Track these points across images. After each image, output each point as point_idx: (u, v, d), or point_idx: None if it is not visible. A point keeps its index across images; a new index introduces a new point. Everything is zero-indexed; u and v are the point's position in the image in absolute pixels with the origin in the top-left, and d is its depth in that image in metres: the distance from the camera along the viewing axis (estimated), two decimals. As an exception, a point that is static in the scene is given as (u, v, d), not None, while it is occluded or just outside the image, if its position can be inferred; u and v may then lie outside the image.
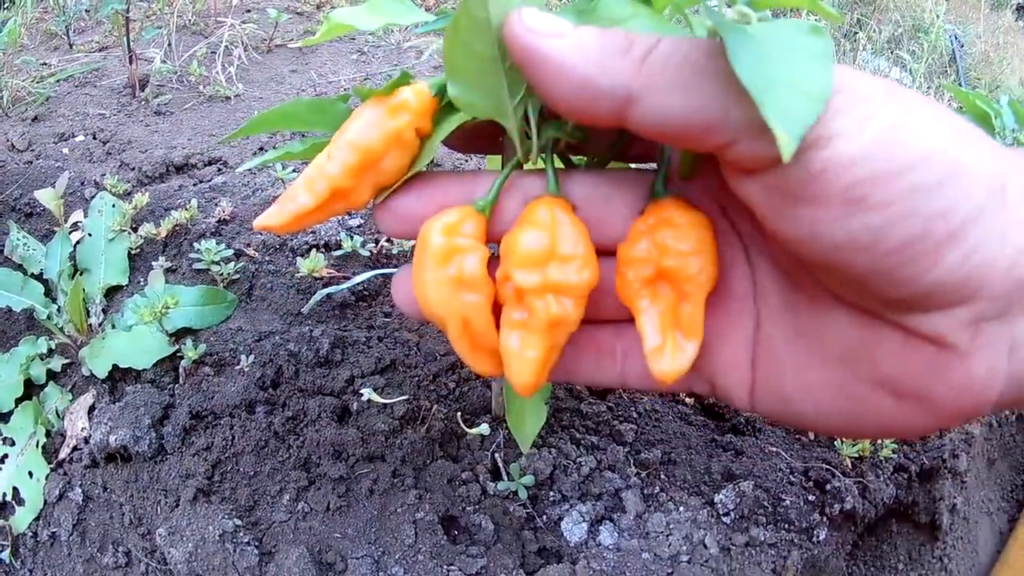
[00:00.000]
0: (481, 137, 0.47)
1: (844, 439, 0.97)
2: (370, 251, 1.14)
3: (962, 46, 3.44)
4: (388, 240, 1.17)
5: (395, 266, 1.14)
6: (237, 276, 1.10)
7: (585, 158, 0.49)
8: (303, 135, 1.44)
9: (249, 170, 1.35)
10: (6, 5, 2.05)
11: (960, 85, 3.15)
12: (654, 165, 0.43)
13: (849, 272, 0.33)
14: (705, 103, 0.32)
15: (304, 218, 0.43)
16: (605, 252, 0.42)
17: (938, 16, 3.28)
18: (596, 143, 0.46)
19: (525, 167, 0.44)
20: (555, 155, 0.44)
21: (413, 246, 1.08)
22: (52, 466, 0.99)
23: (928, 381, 0.35)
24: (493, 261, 0.43)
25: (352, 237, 1.14)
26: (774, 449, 0.96)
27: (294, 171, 1.29)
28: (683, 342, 0.40)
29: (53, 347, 1.09)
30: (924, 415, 0.36)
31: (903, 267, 0.32)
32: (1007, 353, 0.34)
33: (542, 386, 0.42)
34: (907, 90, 0.33)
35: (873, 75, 0.33)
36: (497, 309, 0.42)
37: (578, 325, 0.41)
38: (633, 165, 0.48)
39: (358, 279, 1.05)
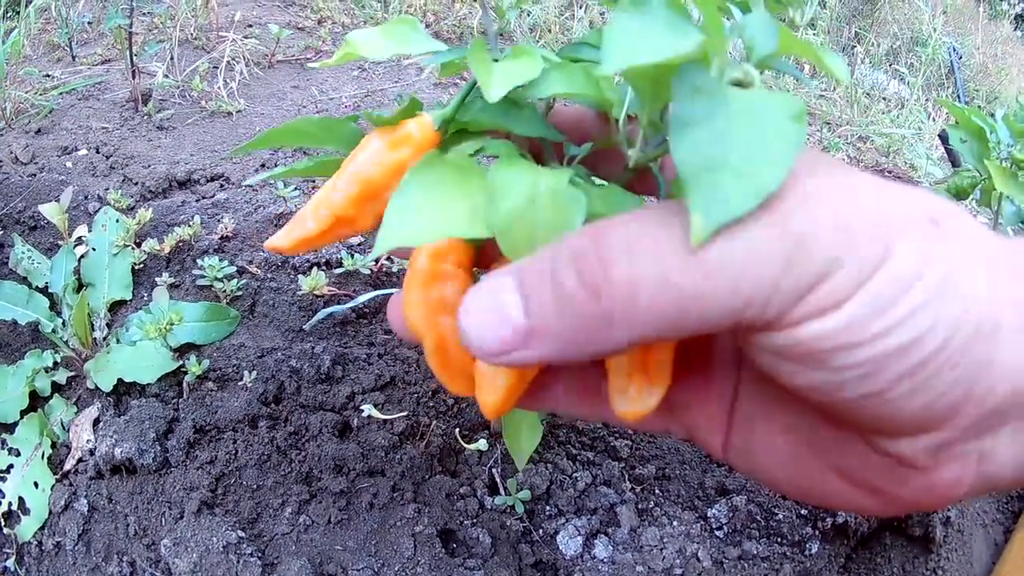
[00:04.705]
0: None
1: None
2: (370, 270, 1.16)
3: (960, 58, 3.45)
4: (388, 259, 1.18)
5: (395, 285, 1.16)
6: (240, 293, 1.12)
7: None
8: (305, 152, 1.46)
9: (251, 187, 1.37)
10: (9, 16, 2.06)
11: (958, 97, 3.16)
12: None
13: (811, 400, 0.32)
14: (683, 313, 0.29)
15: (310, 243, 0.44)
16: None
17: (936, 28, 3.29)
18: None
19: None
20: None
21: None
22: (57, 477, 1.00)
23: (888, 484, 0.34)
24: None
25: (353, 256, 1.15)
26: (767, 464, 0.98)
27: (296, 189, 1.31)
28: (648, 387, 0.39)
29: (58, 360, 1.10)
30: (884, 505, 0.36)
31: (861, 411, 0.31)
32: (975, 462, 0.33)
33: (508, 411, 0.43)
34: (898, 202, 0.30)
35: (852, 172, 0.31)
36: None
37: None
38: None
39: (361, 299, 1.06)
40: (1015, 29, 4.93)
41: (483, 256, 0.45)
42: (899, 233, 0.29)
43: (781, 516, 0.91)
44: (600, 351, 0.31)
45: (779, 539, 0.89)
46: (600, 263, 0.30)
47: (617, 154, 0.45)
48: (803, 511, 0.92)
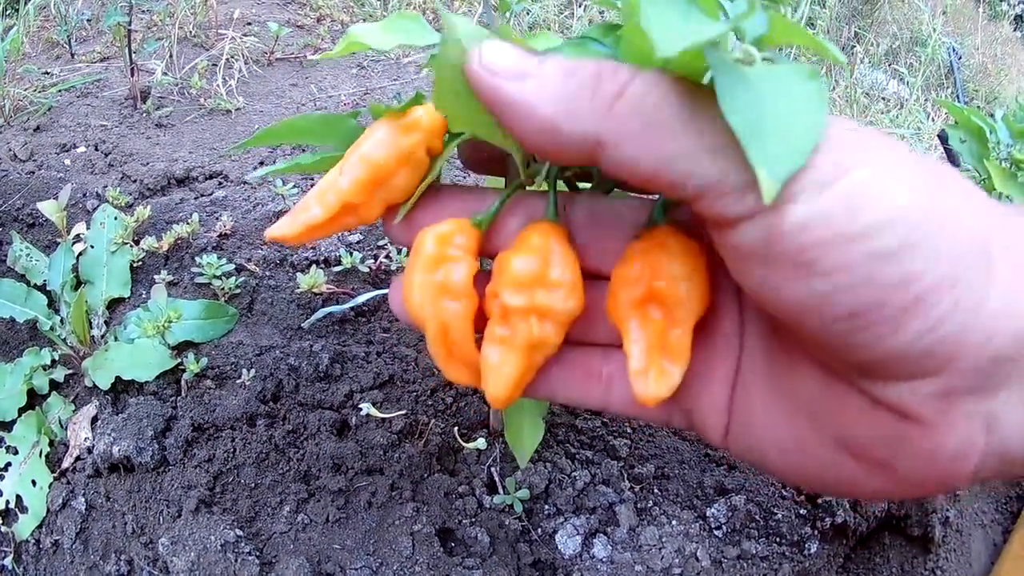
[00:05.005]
0: (494, 159, 0.48)
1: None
2: (369, 267, 1.15)
3: (960, 58, 3.45)
4: (387, 256, 1.18)
5: (394, 282, 1.16)
6: (238, 291, 1.11)
7: (589, 185, 0.50)
8: (303, 149, 1.46)
9: (249, 185, 1.37)
10: (8, 13, 2.06)
11: (958, 97, 3.16)
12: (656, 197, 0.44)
13: (804, 332, 0.32)
14: (674, 157, 0.30)
15: (315, 230, 0.44)
16: (601, 276, 0.43)
17: (935, 28, 3.29)
18: (602, 173, 0.47)
19: (528, 188, 0.46)
20: (558, 180, 0.45)
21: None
22: (55, 475, 1.00)
23: (891, 450, 0.33)
24: (484, 275, 0.44)
25: (352, 253, 1.15)
26: (766, 463, 0.98)
27: (295, 187, 1.31)
28: (668, 367, 0.39)
29: (56, 358, 1.10)
30: (887, 482, 0.34)
31: (855, 334, 0.30)
32: (983, 428, 0.32)
33: (514, 400, 0.43)
34: (894, 144, 0.31)
35: (860, 127, 0.32)
36: (480, 323, 0.44)
37: (556, 349, 0.42)
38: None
39: (360, 299, 1.06)
40: (1015, 29, 4.93)
41: (488, 243, 0.45)
42: (892, 149, 0.31)
43: (780, 516, 0.91)
44: (574, 134, 0.32)
45: (778, 539, 0.89)
46: (616, 80, 0.31)
47: None
48: (802, 511, 0.92)
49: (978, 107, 3.03)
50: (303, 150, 1.47)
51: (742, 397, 0.40)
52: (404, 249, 1.18)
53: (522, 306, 0.41)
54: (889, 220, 0.29)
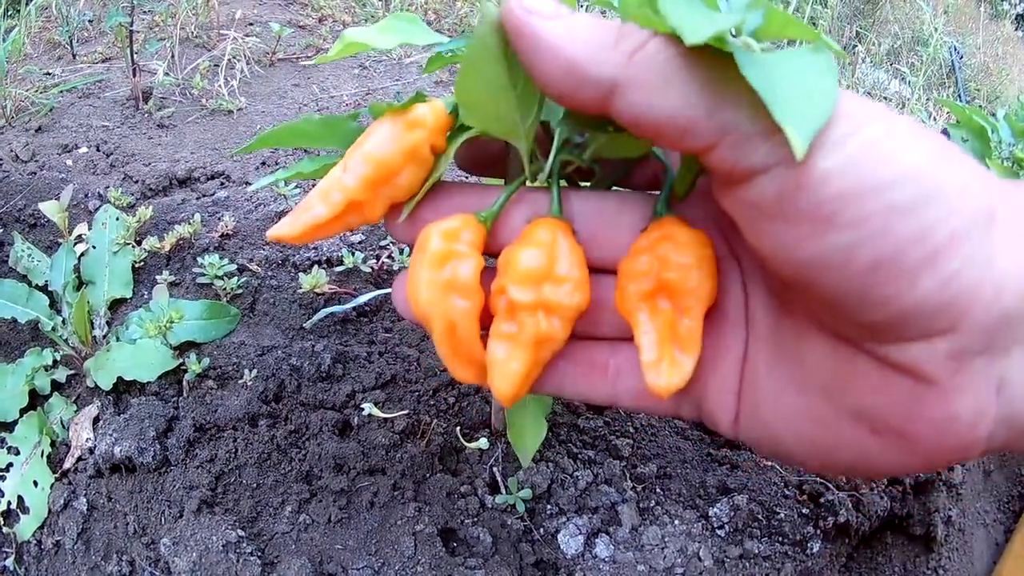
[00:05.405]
0: (496, 160, 0.49)
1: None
2: (371, 267, 1.15)
3: (961, 57, 3.45)
4: (389, 256, 1.18)
5: (395, 282, 1.16)
6: (240, 291, 1.11)
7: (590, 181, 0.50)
8: (305, 150, 1.46)
9: (251, 185, 1.37)
10: (10, 14, 2.06)
11: (959, 97, 3.16)
12: (657, 192, 0.44)
13: (821, 292, 0.32)
14: (688, 103, 0.32)
15: (318, 229, 0.43)
16: (605, 270, 0.44)
17: (937, 28, 3.29)
18: (604, 169, 0.47)
19: (529, 184, 0.46)
20: (561, 177, 0.45)
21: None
22: (57, 476, 1.00)
23: (906, 416, 0.34)
24: (487, 272, 0.44)
25: (354, 253, 1.15)
26: (768, 463, 0.98)
27: (296, 187, 1.31)
28: (680, 357, 0.40)
29: (58, 358, 1.10)
30: (903, 453, 0.35)
31: (874, 289, 0.31)
32: (995, 392, 0.32)
33: (522, 397, 0.43)
34: (896, 114, 0.32)
35: (864, 97, 0.33)
36: (484, 319, 0.44)
37: (563, 344, 0.43)
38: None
39: (362, 299, 1.06)
40: (1016, 29, 4.93)
41: (492, 239, 0.45)
42: (898, 117, 0.32)
43: (783, 515, 0.91)
44: (594, 76, 0.33)
45: (780, 538, 0.89)
46: (636, 36, 0.33)
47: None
48: (804, 510, 0.92)
49: (980, 106, 3.02)
50: (305, 152, 1.47)
51: (751, 382, 0.40)
52: (406, 249, 1.18)
53: (529, 302, 0.41)
54: (904, 175, 0.30)
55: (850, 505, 0.93)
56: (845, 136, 0.30)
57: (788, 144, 0.30)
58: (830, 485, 0.95)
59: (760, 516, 0.90)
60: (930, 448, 0.34)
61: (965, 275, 0.30)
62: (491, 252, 0.45)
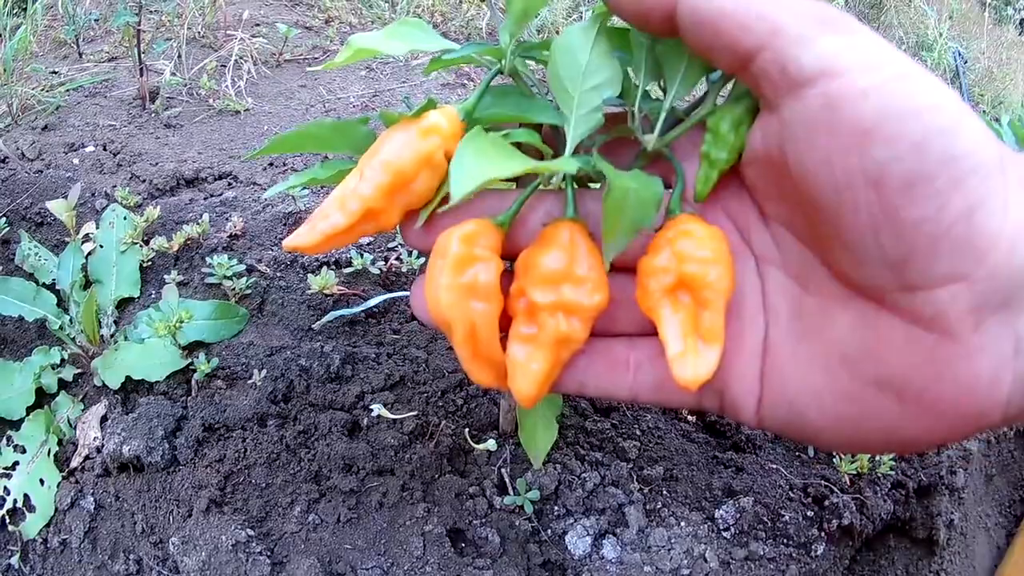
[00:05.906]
0: None
1: (849, 454, 0.98)
2: (380, 269, 1.16)
3: (965, 62, 3.45)
4: (398, 259, 1.19)
5: (404, 286, 1.16)
6: (249, 291, 1.12)
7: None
8: (314, 154, 1.46)
9: (259, 185, 1.37)
10: (16, 12, 2.06)
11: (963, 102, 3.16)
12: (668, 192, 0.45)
13: (856, 220, 0.34)
14: (746, 2, 0.34)
15: (335, 238, 0.44)
16: (618, 269, 0.44)
17: (941, 33, 3.29)
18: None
19: (543, 188, 0.46)
20: (573, 181, 0.46)
21: (424, 263, 1.09)
22: (64, 474, 1.00)
23: (931, 377, 0.35)
24: (504, 275, 0.45)
25: (362, 255, 1.16)
26: (774, 466, 0.98)
27: (304, 188, 1.31)
28: (705, 349, 0.41)
29: (65, 357, 1.10)
30: (928, 419, 0.36)
31: (907, 209, 0.32)
32: (1012, 353, 0.34)
33: (542, 398, 0.43)
34: None
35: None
36: (503, 322, 0.44)
37: (582, 344, 0.43)
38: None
39: (372, 302, 1.07)
40: (1020, 34, 4.92)
41: (508, 242, 0.45)
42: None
43: (787, 517, 0.91)
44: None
45: (785, 540, 0.90)
46: None
47: (627, 143, 0.47)
48: (809, 513, 0.93)
49: (984, 111, 3.03)
50: (315, 154, 1.47)
51: (774, 365, 0.41)
52: (415, 251, 1.19)
53: (550, 302, 0.42)
54: (935, 104, 0.32)
55: (854, 508, 0.94)
56: (879, 63, 0.33)
57: (833, 54, 0.33)
58: (834, 488, 0.95)
59: (765, 518, 0.91)
60: (953, 411, 0.35)
61: (986, 208, 0.32)
62: (508, 255, 0.45)
